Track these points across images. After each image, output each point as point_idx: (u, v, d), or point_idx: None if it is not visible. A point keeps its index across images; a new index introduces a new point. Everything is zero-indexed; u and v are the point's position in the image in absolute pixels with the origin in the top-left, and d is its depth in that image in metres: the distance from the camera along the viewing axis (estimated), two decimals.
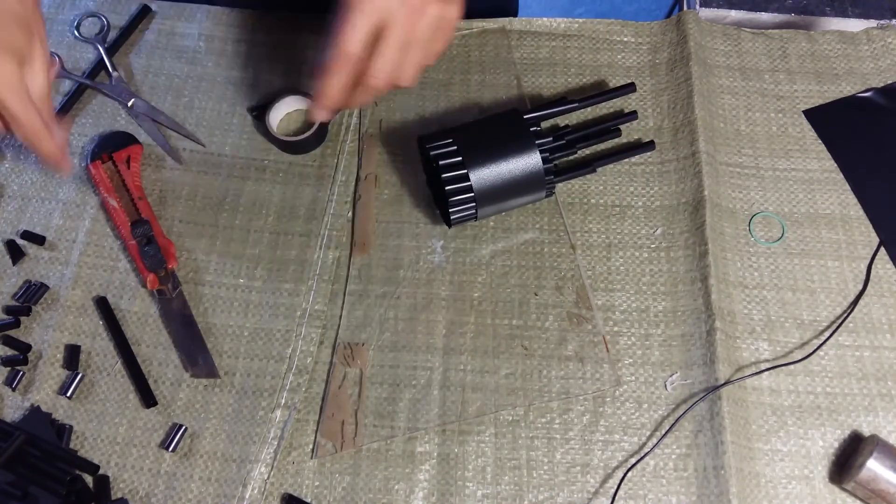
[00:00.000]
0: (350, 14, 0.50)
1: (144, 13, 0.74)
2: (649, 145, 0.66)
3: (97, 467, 0.56)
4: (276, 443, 0.57)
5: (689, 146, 0.67)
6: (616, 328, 0.61)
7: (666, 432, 0.57)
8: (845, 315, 0.61)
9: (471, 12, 0.73)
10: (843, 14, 0.86)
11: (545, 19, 0.74)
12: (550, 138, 0.62)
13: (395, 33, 0.51)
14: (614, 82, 0.71)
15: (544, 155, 0.60)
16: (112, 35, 0.73)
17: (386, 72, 0.52)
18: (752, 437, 0.57)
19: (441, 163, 0.59)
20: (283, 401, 0.59)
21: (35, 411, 0.57)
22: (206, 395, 0.59)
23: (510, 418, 0.58)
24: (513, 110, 0.62)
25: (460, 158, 0.59)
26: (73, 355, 0.59)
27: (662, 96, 0.70)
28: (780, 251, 0.64)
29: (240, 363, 0.60)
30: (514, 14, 0.77)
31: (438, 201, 0.65)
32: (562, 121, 0.69)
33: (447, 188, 0.59)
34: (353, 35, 0.50)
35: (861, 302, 0.61)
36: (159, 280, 0.61)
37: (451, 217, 0.60)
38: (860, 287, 0.62)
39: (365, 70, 0.52)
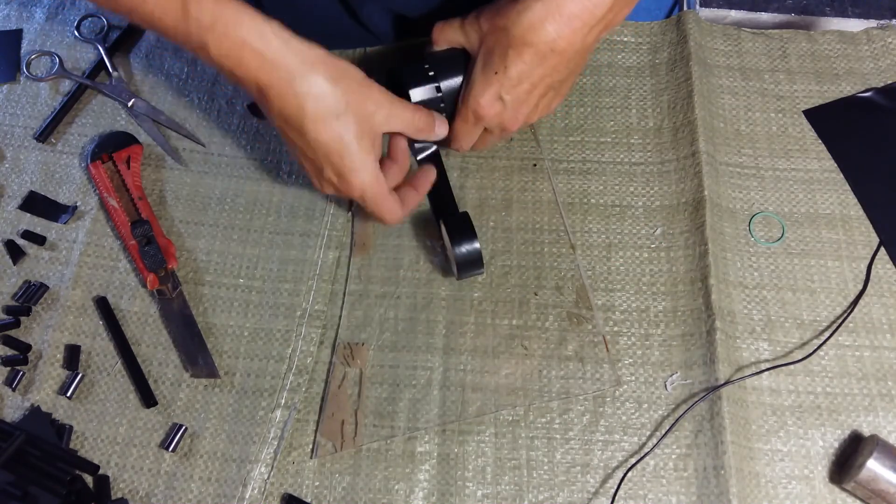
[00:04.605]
0: (458, 121, 0.59)
1: None
2: None
3: (97, 467, 0.56)
4: (276, 443, 0.57)
5: (689, 146, 0.67)
6: (616, 328, 0.61)
7: (666, 432, 0.57)
8: (845, 315, 0.61)
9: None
10: (843, 14, 0.86)
11: None
12: None
13: (495, 135, 0.61)
14: (614, 82, 0.71)
15: None
16: (112, 35, 0.73)
17: (484, 147, 0.64)
18: (752, 437, 0.57)
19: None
20: (283, 401, 0.59)
21: (35, 411, 0.57)
22: (206, 395, 0.59)
23: (510, 418, 0.58)
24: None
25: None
26: (73, 355, 0.59)
27: (662, 96, 0.70)
28: (780, 251, 0.64)
29: (240, 363, 0.60)
30: None
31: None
32: None
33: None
34: (465, 142, 0.61)
35: (861, 302, 0.61)
36: (159, 280, 0.61)
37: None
38: (860, 287, 0.62)
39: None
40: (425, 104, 0.58)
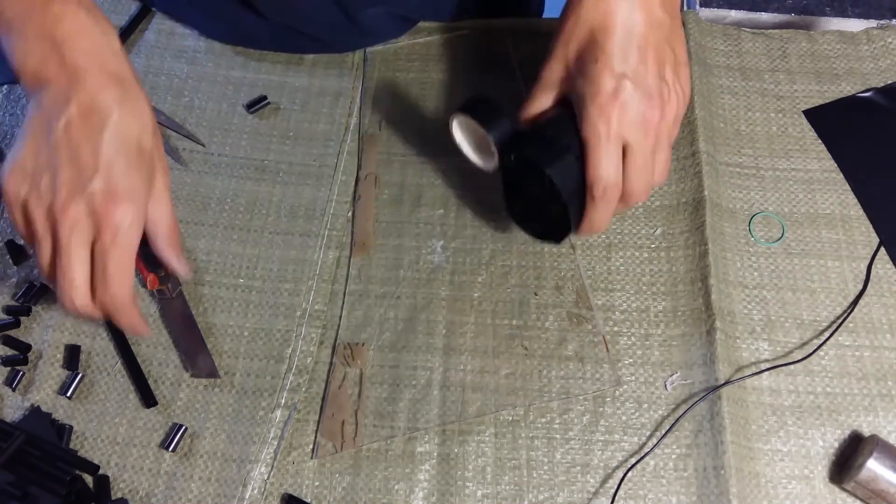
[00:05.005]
0: (598, 146, 0.49)
1: (144, 13, 0.74)
2: None
3: (97, 467, 0.56)
4: (276, 443, 0.57)
5: (689, 146, 0.67)
6: (616, 328, 0.61)
7: (666, 432, 0.57)
8: (845, 315, 0.61)
9: (496, 9, 0.74)
10: (843, 14, 0.86)
11: (545, 19, 0.74)
12: None
13: (640, 153, 0.50)
14: None
15: None
16: None
17: (642, 189, 0.52)
18: (752, 437, 0.57)
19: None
20: (283, 401, 0.59)
21: (35, 411, 0.57)
22: (206, 395, 0.59)
23: (510, 418, 0.58)
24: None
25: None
26: (73, 355, 0.59)
27: None
28: (780, 251, 0.64)
29: (240, 363, 0.60)
30: (540, 13, 0.77)
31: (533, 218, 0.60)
32: None
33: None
34: (609, 166, 0.50)
35: (861, 302, 0.61)
36: (159, 280, 0.61)
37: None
38: (860, 287, 0.62)
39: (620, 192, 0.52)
40: (567, 176, 0.51)
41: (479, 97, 0.54)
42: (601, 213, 0.52)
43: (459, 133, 0.57)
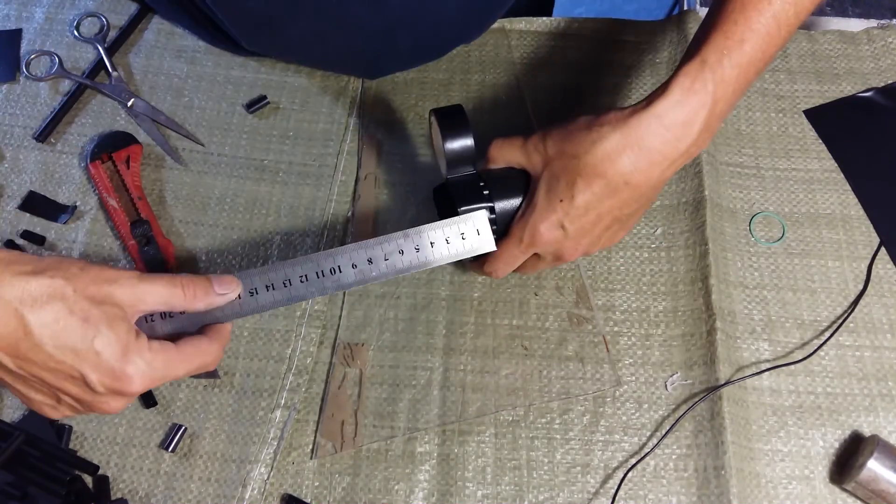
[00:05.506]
0: (512, 248, 0.54)
1: (144, 13, 0.74)
2: None
3: (97, 467, 0.56)
4: (275, 443, 0.57)
5: None
6: (616, 328, 0.61)
7: (666, 432, 0.57)
8: (846, 315, 0.61)
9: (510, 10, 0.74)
10: (844, 14, 0.85)
11: (545, 19, 0.74)
12: None
13: (544, 261, 0.56)
14: (614, 82, 0.71)
15: None
16: (112, 35, 0.73)
17: (532, 273, 0.60)
18: (753, 437, 0.57)
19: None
20: (283, 401, 0.59)
21: (35, 411, 0.57)
22: (205, 395, 0.59)
23: (510, 418, 0.58)
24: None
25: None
26: None
27: None
28: (781, 251, 0.64)
29: (240, 363, 0.60)
30: (550, 12, 0.76)
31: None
32: None
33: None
34: (507, 265, 0.55)
35: (861, 302, 0.61)
36: None
37: None
38: (860, 287, 0.62)
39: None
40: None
41: (457, 111, 0.55)
42: (488, 274, 0.57)
43: (433, 129, 0.58)
